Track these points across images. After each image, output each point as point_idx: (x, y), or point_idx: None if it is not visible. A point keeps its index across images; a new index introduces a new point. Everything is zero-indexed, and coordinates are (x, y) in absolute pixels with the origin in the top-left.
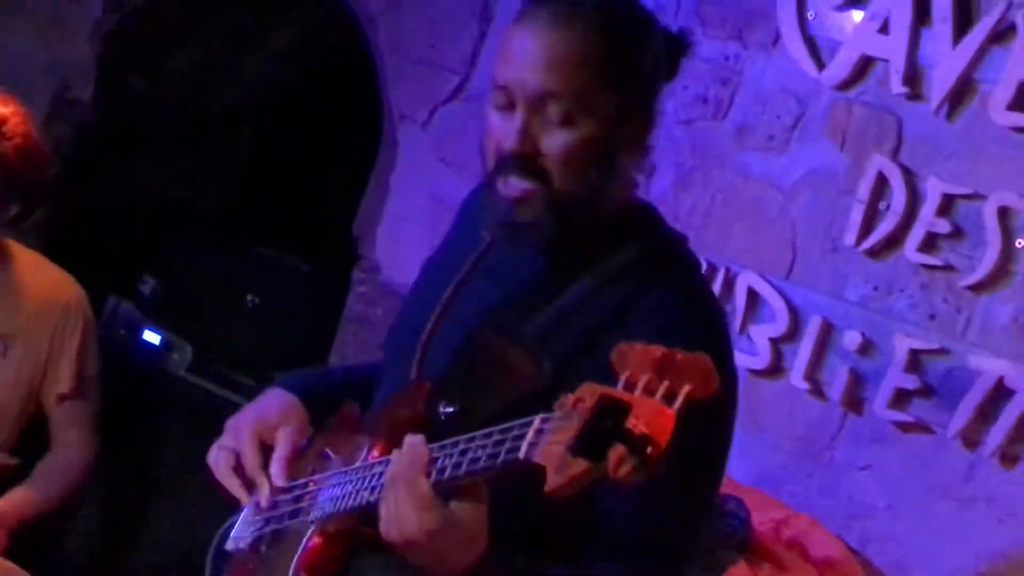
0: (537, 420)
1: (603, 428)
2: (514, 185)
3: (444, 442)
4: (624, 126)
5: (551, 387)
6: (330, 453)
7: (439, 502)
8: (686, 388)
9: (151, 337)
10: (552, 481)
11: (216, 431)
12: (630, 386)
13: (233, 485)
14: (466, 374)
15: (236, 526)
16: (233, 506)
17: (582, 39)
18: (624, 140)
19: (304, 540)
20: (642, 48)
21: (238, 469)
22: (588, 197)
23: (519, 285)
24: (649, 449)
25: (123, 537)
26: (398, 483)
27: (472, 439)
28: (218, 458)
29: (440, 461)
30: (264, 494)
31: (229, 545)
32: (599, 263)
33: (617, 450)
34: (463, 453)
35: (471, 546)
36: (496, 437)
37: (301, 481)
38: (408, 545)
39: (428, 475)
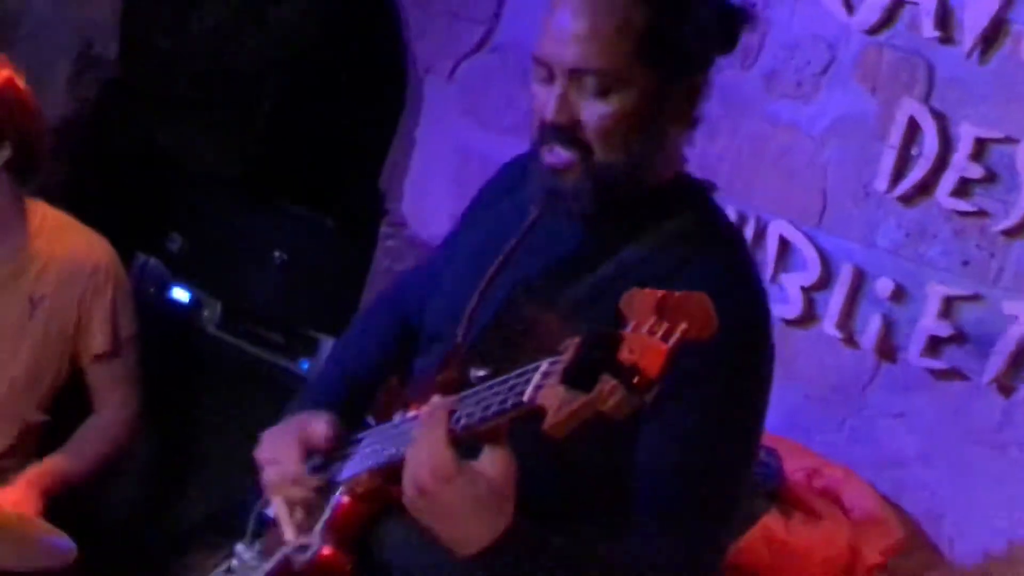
0: (545, 363)
1: (592, 359)
2: (557, 154)
3: (466, 393)
4: (667, 99)
5: None
6: (371, 422)
7: (453, 448)
8: (682, 326)
9: (180, 294)
10: (549, 419)
11: (246, 387)
12: (636, 331)
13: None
14: (500, 340)
15: None
16: None
17: (620, 13)
18: (668, 112)
19: (333, 500)
20: (686, 21)
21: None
22: (630, 168)
23: (561, 255)
24: (636, 379)
25: (158, 495)
26: (419, 435)
27: (491, 387)
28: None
29: (459, 412)
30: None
31: (271, 512)
32: (643, 234)
33: (606, 380)
34: (479, 400)
35: (490, 510)
36: (511, 383)
37: (343, 448)
38: (423, 497)
39: (447, 423)
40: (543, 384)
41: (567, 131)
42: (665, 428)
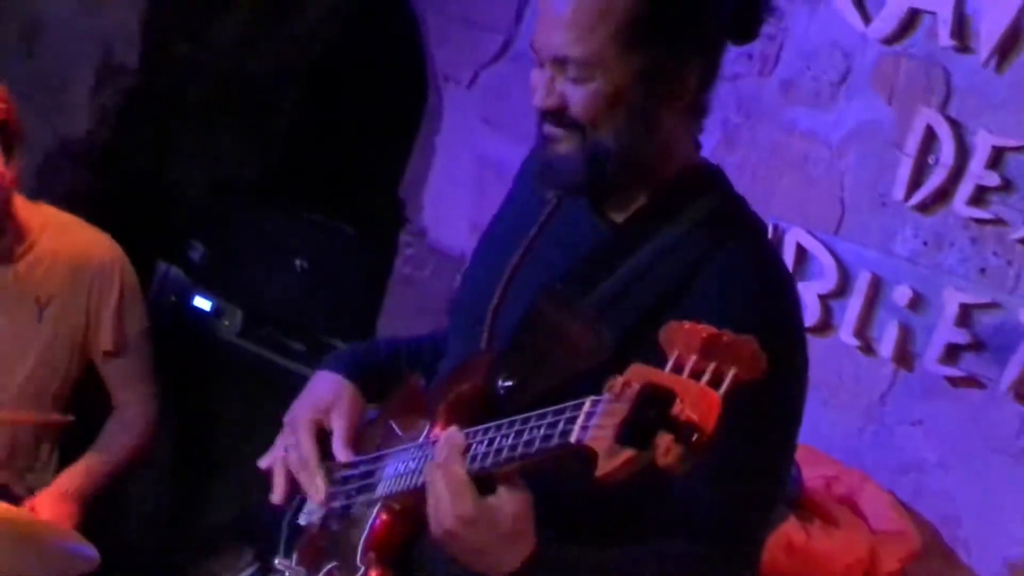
0: (588, 403)
1: (648, 417)
2: (550, 131)
3: (489, 424)
4: (657, 84)
5: (615, 360)
6: (395, 428)
7: (474, 490)
8: (732, 371)
9: (202, 303)
10: (603, 467)
11: (268, 396)
12: (678, 367)
13: (303, 480)
14: (526, 347)
15: (308, 500)
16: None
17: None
18: (662, 97)
19: (371, 518)
20: (680, 6)
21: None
22: (624, 147)
23: (583, 254)
24: (695, 437)
25: (180, 503)
26: (435, 471)
27: (528, 419)
28: (282, 459)
29: (479, 447)
30: (320, 489)
31: (302, 520)
32: (662, 229)
33: (663, 438)
34: (518, 435)
35: (514, 541)
36: (550, 419)
37: (368, 456)
38: (449, 537)
39: (464, 461)
40: (588, 425)
41: (557, 114)
42: None
